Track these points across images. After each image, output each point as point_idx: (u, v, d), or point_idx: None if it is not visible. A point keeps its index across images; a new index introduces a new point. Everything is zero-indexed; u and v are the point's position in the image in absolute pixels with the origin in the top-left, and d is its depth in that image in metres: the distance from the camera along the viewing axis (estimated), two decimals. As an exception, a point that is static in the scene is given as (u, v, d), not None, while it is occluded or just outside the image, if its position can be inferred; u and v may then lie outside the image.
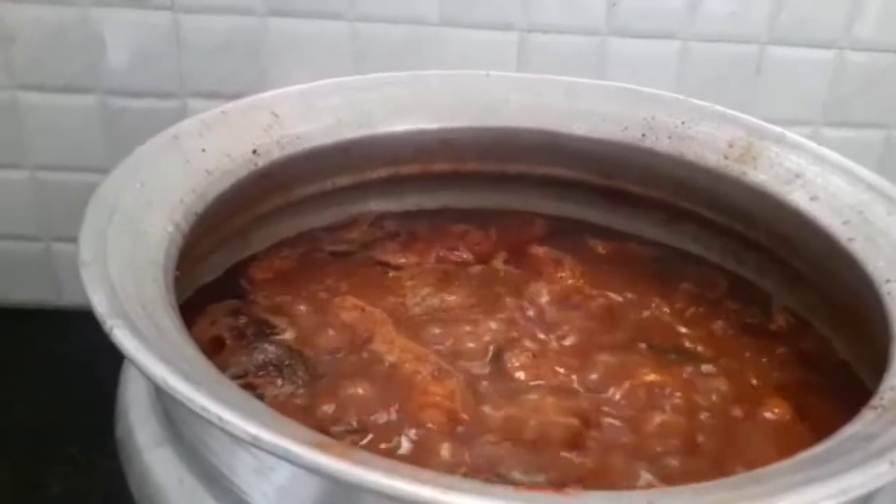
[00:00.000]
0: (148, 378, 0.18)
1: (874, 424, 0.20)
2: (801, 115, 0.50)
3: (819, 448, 0.19)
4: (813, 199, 0.31)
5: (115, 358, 0.27)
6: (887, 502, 0.23)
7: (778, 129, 0.34)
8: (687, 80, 0.48)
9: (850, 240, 0.29)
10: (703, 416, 0.27)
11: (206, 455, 0.22)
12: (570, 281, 0.35)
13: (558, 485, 0.23)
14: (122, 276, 0.22)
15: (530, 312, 0.33)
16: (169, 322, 0.21)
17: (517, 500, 0.16)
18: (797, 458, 0.19)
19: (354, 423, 0.27)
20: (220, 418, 0.17)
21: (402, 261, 0.36)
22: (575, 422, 0.27)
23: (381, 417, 0.27)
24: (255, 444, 0.16)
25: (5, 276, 0.51)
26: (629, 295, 0.34)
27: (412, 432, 0.26)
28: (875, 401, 0.21)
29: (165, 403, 0.23)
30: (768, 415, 0.28)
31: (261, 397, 0.28)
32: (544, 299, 0.34)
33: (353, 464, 0.16)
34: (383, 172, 0.37)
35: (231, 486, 0.21)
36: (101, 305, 0.20)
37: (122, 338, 0.19)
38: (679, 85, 0.48)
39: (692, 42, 0.48)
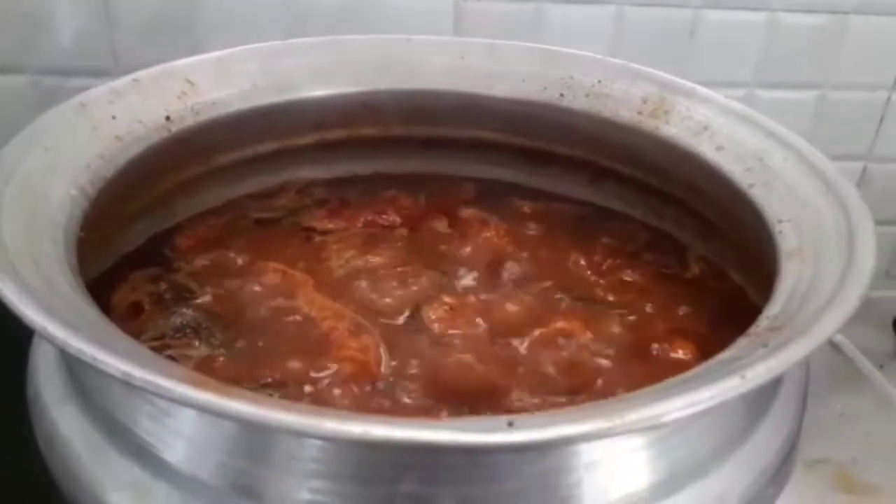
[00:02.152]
0: (29, 326, 0.18)
1: (745, 348, 0.21)
2: (735, 77, 0.51)
3: (688, 373, 0.20)
4: (719, 148, 0.32)
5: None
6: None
7: (689, 83, 0.35)
8: (622, 44, 0.49)
9: (751, 185, 0.30)
10: (611, 357, 0.28)
11: (106, 407, 0.22)
12: (494, 240, 0.36)
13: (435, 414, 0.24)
14: (15, 235, 0.22)
15: (452, 270, 0.34)
16: (63, 279, 0.22)
17: (380, 424, 0.16)
18: (665, 382, 0.20)
19: (269, 379, 0.27)
20: (94, 358, 0.17)
21: (330, 226, 0.37)
22: (486, 369, 0.28)
23: (297, 372, 0.28)
24: (126, 380, 0.17)
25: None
26: (550, 250, 0.35)
27: (326, 385, 0.27)
28: (751, 329, 0.22)
29: (68, 360, 0.24)
30: (674, 355, 0.29)
31: (179, 359, 0.28)
32: (467, 258, 0.34)
33: (221, 395, 0.17)
34: (309, 139, 0.37)
35: (132, 436, 0.22)
36: (-14, 260, 0.20)
37: (4, 289, 0.19)
38: (614, 49, 0.49)
39: (627, 6, 0.48)
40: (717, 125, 0.33)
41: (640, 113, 0.35)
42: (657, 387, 0.19)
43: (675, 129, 0.34)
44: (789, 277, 0.24)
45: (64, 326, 0.18)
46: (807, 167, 0.29)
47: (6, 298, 0.19)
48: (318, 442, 0.19)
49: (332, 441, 0.17)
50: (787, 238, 0.27)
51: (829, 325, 0.20)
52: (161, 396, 0.17)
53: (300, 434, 0.17)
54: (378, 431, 0.16)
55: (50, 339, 0.18)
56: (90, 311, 0.21)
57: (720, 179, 0.31)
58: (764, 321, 0.22)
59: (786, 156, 0.30)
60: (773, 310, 0.23)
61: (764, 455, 0.24)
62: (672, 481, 0.22)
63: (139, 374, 0.17)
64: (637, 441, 0.21)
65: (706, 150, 0.32)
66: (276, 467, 0.20)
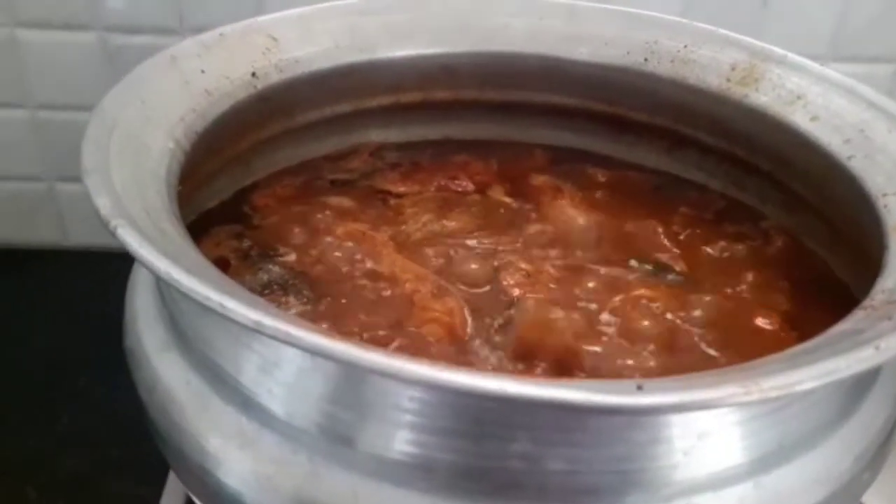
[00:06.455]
0: (152, 272, 0.19)
1: (864, 321, 0.20)
2: (808, 49, 0.49)
3: (809, 343, 0.20)
4: (814, 119, 0.31)
5: (120, 295, 0.27)
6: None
7: (780, 50, 0.34)
8: (694, 11, 0.48)
9: (850, 158, 0.29)
10: (693, 326, 0.28)
11: (211, 357, 0.22)
12: (568, 208, 0.35)
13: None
14: (125, 184, 0.22)
15: (527, 236, 0.33)
16: (172, 228, 0.22)
17: (515, 381, 0.16)
18: (786, 352, 0.20)
19: (357, 338, 0.27)
20: (222, 305, 0.17)
21: (403, 189, 0.36)
22: (568, 334, 0.27)
23: (384, 332, 0.28)
24: (257, 329, 0.17)
25: (9, 217, 0.52)
26: (626, 219, 0.34)
27: (414, 346, 0.27)
28: (866, 302, 0.22)
29: (171, 309, 0.24)
30: (759, 325, 0.28)
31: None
32: (542, 225, 0.34)
33: (352, 345, 0.16)
34: (384, 100, 0.37)
35: (237, 385, 0.22)
36: (105, 208, 0.20)
37: (126, 235, 0.19)
38: (686, 16, 0.47)
39: (700, -28, 0.47)
40: (811, 94, 0.32)
41: (728, 80, 0.34)
42: (779, 356, 0.19)
43: (765, 98, 0.33)
44: (900, 251, 0.24)
45: (188, 273, 0.18)
46: (915, 139, 0.28)
47: (129, 245, 0.19)
48: (432, 397, 0.19)
49: (466, 396, 0.17)
50: (893, 212, 0.26)
51: (959, 298, 0.19)
52: (293, 345, 0.17)
53: (434, 388, 0.16)
54: (513, 388, 0.16)
55: (175, 285, 0.18)
56: (202, 261, 0.21)
57: (815, 151, 0.30)
58: (879, 295, 0.22)
59: (890, 127, 0.29)
60: (887, 283, 0.22)
61: (864, 437, 0.23)
62: (777, 455, 0.21)
63: (270, 322, 0.17)
64: (747, 413, 0.21)
65: (799, 120, 0.31)
66: (387, 421, 0.20)
